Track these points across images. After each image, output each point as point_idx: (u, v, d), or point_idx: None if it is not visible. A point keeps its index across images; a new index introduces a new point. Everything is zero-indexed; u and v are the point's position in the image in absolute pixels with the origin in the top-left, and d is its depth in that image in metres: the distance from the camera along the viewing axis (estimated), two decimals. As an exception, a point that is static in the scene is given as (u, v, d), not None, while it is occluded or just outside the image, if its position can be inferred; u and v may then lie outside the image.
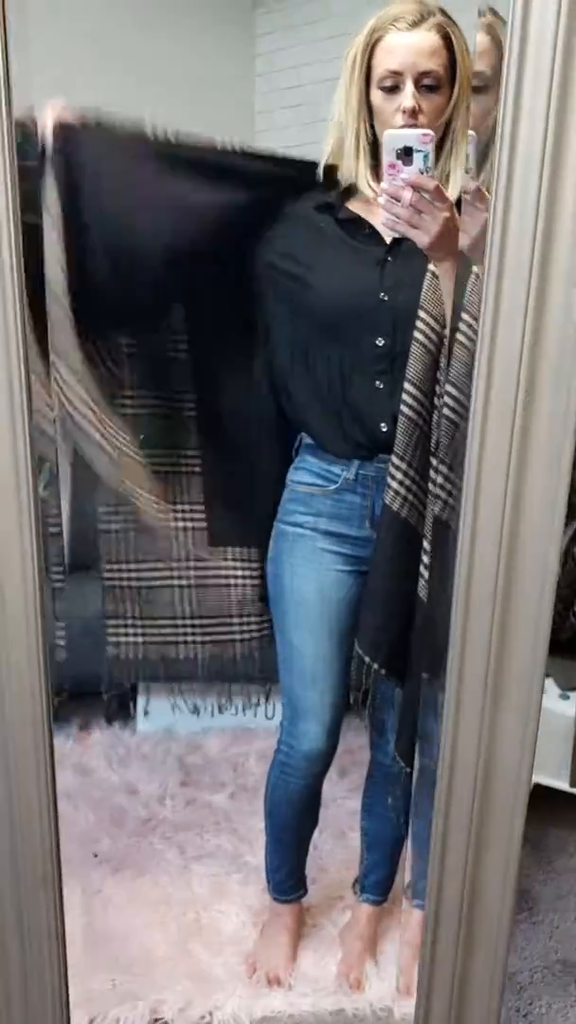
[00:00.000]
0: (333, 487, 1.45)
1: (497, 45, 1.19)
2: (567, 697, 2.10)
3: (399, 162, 1.19)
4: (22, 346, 1.00)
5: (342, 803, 2.09)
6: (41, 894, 1.19)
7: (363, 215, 1.37)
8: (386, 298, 1.34)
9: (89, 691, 2.40)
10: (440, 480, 1.24)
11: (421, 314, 1.30)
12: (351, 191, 1.37)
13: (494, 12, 1.21)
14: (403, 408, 1.32)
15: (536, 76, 0.88)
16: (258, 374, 1.51)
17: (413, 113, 1.25)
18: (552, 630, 1.03)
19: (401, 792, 1.53)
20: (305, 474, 1.48)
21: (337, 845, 2.01)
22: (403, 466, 1.34)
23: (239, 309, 1.50)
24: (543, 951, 1.81)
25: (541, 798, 1.91)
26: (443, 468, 1.23)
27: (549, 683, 2.11)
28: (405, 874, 1.50)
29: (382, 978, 1.67)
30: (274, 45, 2.99)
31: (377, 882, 1.74)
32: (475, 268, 1.05)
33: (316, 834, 1.73)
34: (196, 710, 2.47)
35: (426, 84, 1.25)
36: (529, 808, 1.08)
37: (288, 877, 1.71)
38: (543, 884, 2.00)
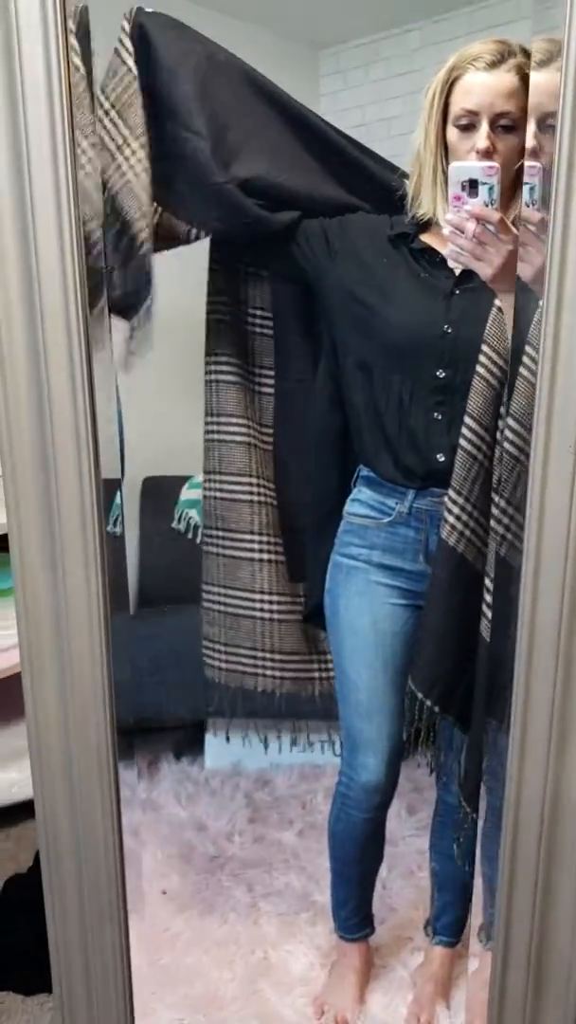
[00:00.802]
0: (387, 520, 1.45)
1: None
2: None
3: (464, 194, 1.19)
4: (87, 368, 1.02)
5: (410, 841, 2.06)
6: (107, 929, 1.19)
7: (436, 247, 1.38)
8: (450, 331, 1.34)
9: (156, 726, 2.43)
10: (499, 515, 1.23)
11: (484, 348, 1.29)
12: (426, 223, 1.39)
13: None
14: (462, 442, 1.32)
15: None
16: (321, 387, 1.54)
17: (487, 153, 1.24)
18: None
19: (465, 834, 1.49)
20: (359, 506, 1.49)
21: (406, 884, 1.97)
22: (460, 500, 1.33)
23: (315, 327, 1.55)
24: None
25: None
26: (502, 503, 1.21)
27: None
28: (476, 916, 1.47)
29: (453, 1023, 1.63)
30: (337, 85, 3.04)
31: (449, 924, 1.71)
32: (541, 302, 1.05)
33: (384, 872, 1.70)
34: (265, 745, 2.46)
35: (502, 125, 1.25)
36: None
37: (353, 914, 1.69)
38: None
